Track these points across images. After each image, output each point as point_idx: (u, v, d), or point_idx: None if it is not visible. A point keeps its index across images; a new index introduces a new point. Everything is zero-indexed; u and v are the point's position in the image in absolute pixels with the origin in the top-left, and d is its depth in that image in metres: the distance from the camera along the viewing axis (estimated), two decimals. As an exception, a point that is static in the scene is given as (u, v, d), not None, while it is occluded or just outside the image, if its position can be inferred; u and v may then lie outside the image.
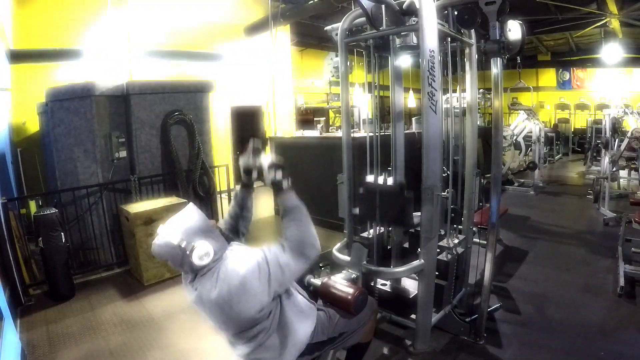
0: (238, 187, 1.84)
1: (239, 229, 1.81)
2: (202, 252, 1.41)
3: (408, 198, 2.53)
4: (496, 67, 2.36)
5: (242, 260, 1.45)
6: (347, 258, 2.53)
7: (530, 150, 8.05)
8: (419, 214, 2.41)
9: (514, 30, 2.40)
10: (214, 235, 1.49)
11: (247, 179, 1.76)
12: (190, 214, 1.49)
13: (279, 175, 1.60)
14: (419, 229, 2.46)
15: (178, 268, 1.49)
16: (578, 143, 12.75)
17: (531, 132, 7.72)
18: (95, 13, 6.01)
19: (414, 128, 5.96)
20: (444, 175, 2.59)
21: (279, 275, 1.43)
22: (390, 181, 2.72)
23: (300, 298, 1.68)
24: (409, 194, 2.53)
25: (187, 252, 1.41)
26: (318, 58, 11.21)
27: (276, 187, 1.60)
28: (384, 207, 2.54)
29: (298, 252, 1.46)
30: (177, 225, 1.44)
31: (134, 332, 2.94)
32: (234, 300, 1.40)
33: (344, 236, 2.90)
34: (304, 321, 1.63)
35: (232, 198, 1.86)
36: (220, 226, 1.72)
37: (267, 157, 1.65)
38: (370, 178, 2.75)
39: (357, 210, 2.78)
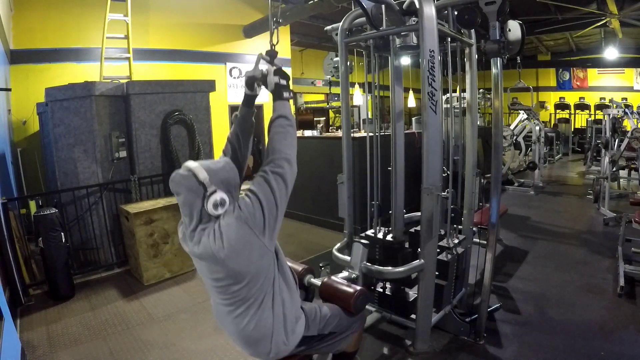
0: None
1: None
2: (218, 199, 1.35)
3: (407, 252, 2.71)
4: (496, 67, 2.36)
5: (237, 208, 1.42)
6: (347, 258, 2.53)
7: (530, 150, 8.05)
8: (419, 213, 2.41)
9: (514, 30, 2.41)
10: (237, 194, 1.45)
11: (249, 92, 1.67)
12: (226, 165, 1.45)
13: (283, 81, 1.57)
14: (419, 228, 2.46)
15: (185, 209, 1.42)
16: (578, 143, 12.74)
17: (531, 132, 7.73)
18: (95, 13, 6.00)
19: (414, 128, 5.98)
20: (444, 175, 2.59)
21: (270, 200, 1.40)
22: (389, 237, 2.83)
23: (290, 285, 1.62)
24: (407, 250, 2.74)
25: (207, 194, 1.35)
26: (318, 58, 11.21)
27: (277, 92, 1.57)
28: (384, 260, 2.73)
29: (276, 170, 1.43)
30: (209, 167, 1.39)
31: (134, 332, 2.94)
32: (233, 239, 1.35)
33: (344, 236, 2.90)
34: (293, 300, 1.59)
35: (232, 122, 1.76)
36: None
37: (274, 66, 1.61)
38: (370, 232, 2.90)
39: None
